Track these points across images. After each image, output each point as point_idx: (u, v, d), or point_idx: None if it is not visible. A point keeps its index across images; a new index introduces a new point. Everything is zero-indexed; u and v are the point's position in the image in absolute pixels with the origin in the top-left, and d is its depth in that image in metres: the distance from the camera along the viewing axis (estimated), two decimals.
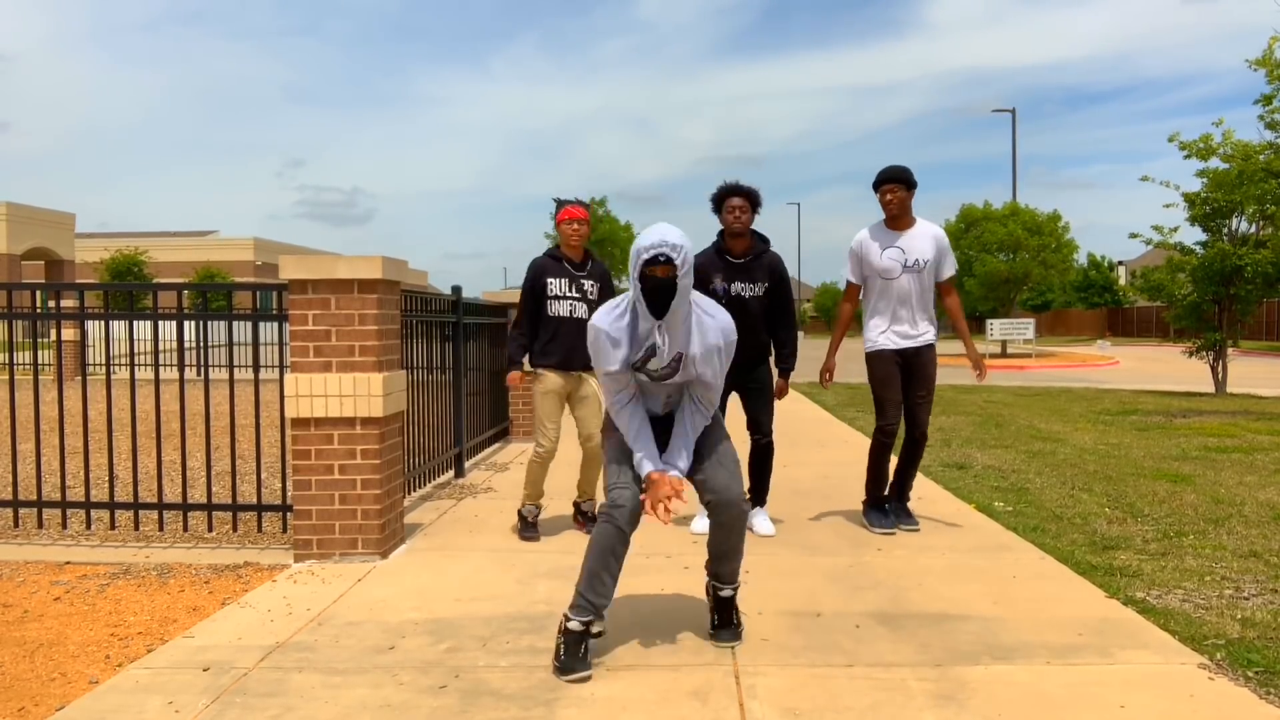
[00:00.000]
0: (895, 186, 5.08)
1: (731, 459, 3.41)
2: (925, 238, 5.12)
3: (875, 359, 5.19)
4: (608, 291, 5.17)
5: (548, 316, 5.02)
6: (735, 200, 5.01)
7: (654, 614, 3.78)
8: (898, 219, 5.13)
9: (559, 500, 6.04)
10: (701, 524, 5.19)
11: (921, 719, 2.81)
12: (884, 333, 5.17)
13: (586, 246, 5.15)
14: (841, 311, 5.39)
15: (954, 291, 5.31)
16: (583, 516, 5.30)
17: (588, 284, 5.11)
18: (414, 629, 3.62)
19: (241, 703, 2.95)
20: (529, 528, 5.07)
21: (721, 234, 5.11)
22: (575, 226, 5.03)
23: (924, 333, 5.16)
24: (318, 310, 4.53)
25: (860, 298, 5.30)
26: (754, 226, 5.07)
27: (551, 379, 5.01)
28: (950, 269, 5.19)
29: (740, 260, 5.04)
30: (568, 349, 5.01)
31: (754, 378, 5.15)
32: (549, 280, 5.03)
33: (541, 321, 5.04)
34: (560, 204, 5.12)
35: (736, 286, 5.05)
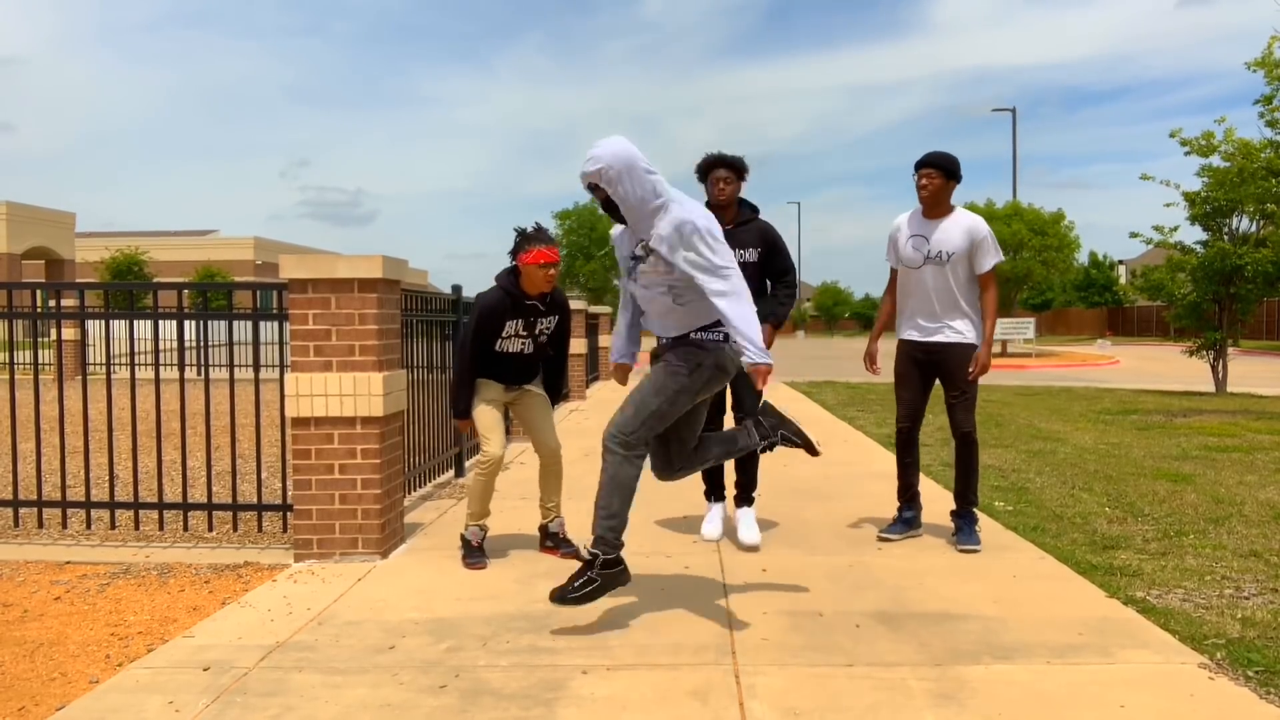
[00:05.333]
0: (932, 173, 4.74)
1: (635, 402, 3.59)
2: (956, 229, 4.75)
3: (897, 351, 4.99)
4: (565, 324, 4.70)
5: (495, 353, 4.55)
6: (720, 172, 4.85)
7: (654, 614, 3.78)
8: (931, 207, 4.82)
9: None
10: (710, 527, 5.03)
11: (921, 719, 2.81)
12: (905, 325, 4.95)
13: None
14: (883, 300, 5.19)
15: (991, 286, 4.85)
16: (553, 540, 4.73)
17: (543, 323, 4.59)
18: (414, 629, 3.62)
19: (242, 702, 2.95)
20: (474, 553, 4.54)
21: (708, 205, 4.93)
22: (550, 272, 4.44)
23: (950, 330, 4.79)
24: (318, 310, 4.53)
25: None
26: (743, 196, 4.97)
27: (492, 388, 4.60)
28: (989, 262, 4.78)
29: (727, 228, 4.90)
30: (511, 375, 4.62)
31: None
32: (505, 322, 4.49)
33: (486, 354, 4.57)
34: (526, 239, 4.45)
35: None
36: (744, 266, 4.85)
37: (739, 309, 3.45)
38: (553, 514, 4.74)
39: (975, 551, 4.72)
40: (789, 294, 4.99)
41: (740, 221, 4.94)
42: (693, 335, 3.64)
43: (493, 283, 4.56)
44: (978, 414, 11.11)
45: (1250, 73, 13.22)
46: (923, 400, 4.95)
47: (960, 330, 4.81)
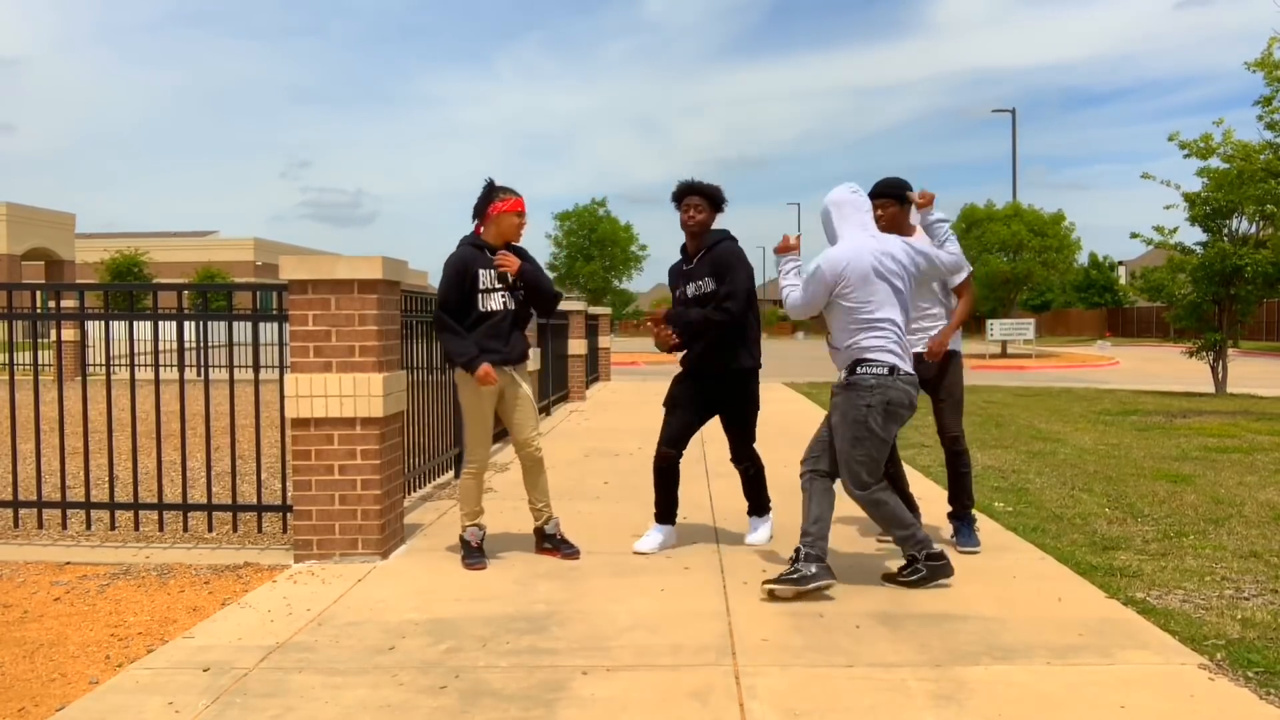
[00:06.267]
0: (885, 202, 4.83)
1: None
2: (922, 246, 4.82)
3: None
4: (538, 277, 4.63)
5: (479, 312, 4.50)
6: (691, 199, 4.73)
7: (654, 614, 3.78)
8: (894, 232, 4.84)
9: (556, 501, 6.04)
10: (647, 542, 4.79)
11: (921, 719, 2.81)
12: None
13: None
14: None
15: (966, 294, 4.93)
16: (551, 542, 4.70)
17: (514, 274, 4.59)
18: (414, 629, 3.62)
19: (241, 703, 2.95)
20: (474, 554, 4.52)
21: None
22: (521, 221, 4.57)
23: (928, 337, 4.83)
24: (318, 310, 4.53)
25: None
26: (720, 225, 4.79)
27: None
28: (960, 276, 4.82)
29: (691, 263, 4.79)
30: (503, 344, 4.54)
31: (731, 395, 4.73)
32: (479, 271, 4.50)
33: (471, 318, 4.51)
34: (496, 190, 4.55)
35: (691, 288, 4.74)
36: (702, 299, 4.68)
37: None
38: (544, 514, 4.72)
39: (974, 552, 4.71)
40: (720, 311, 4.61)
41: (704, 250, 4.72)
42: (857, 373, 4.08)
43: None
44: (979, 415, 11.11)
45: (1250, 73, 13.22)
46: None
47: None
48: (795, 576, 3.93)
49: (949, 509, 4.95)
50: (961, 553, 4.72)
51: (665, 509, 4.87)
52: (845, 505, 5.88)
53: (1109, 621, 3.66)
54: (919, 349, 4.83)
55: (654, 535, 4.84)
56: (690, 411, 4.77)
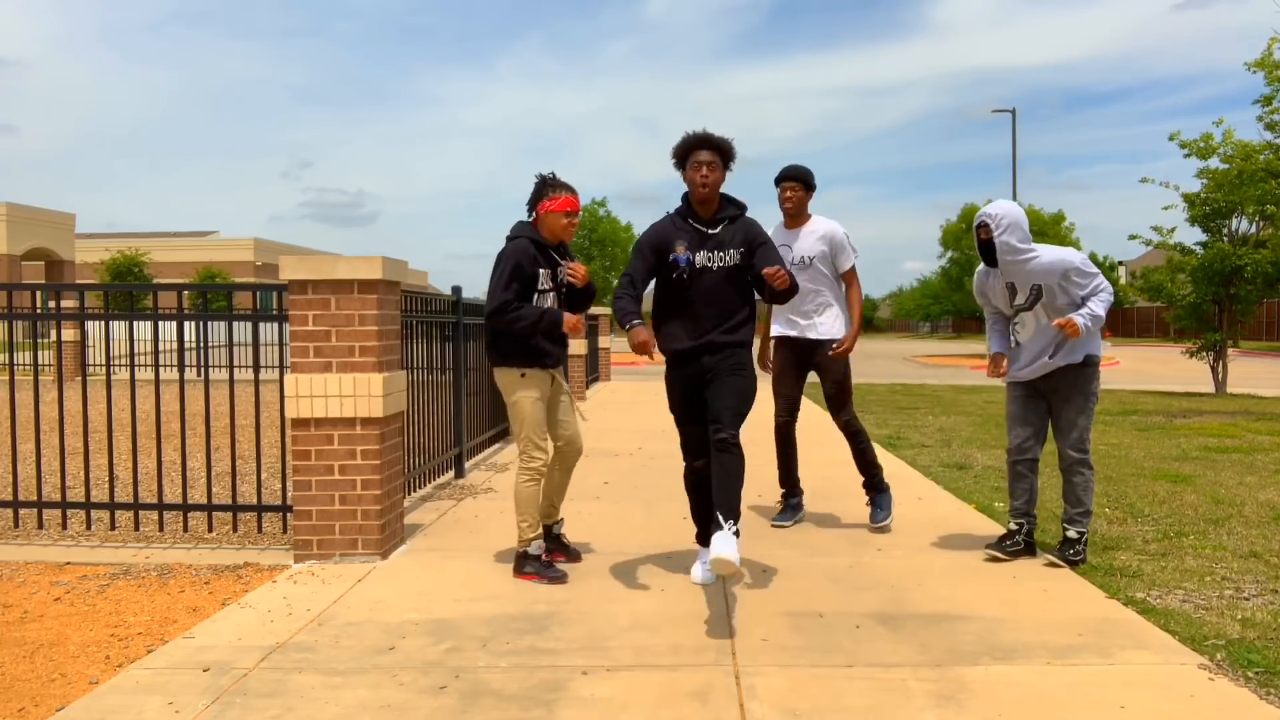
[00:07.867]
0: (794, 185, 5.14)
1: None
2: (813, 235, 5.15)
3: (773, 350, 5.38)
4: (589, 286, 4.51)
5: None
6: (703, 155, 4.03)
7: (654, 614, 3.78)
8: (793, 217, 5.20)
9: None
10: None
11: (921, 719, 2.81)
12: (778, 323, 5.31)
13: None
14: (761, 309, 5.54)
15: (854, 283, 5.26)
16: (556, 544, 4.56)
17: (561, 270, 4.42)
18: (414, 629, 3.62)
19: (242, 703, 2.95)
20: (548, 567, 4.28)
21: (686, 197, 4.17)
22: (574, 221, 4.34)
23: (821, 326, 5.16)
24: (318, 311, 4.53)
25: None
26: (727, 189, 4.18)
27: (540, 380, 4.35)
28: (847, 262, 5.18)
29: (707, 226, 4.10)
30: (558, 346, 4.40)
31: (725, 362, 4.06)
32: (540, 271, 4.29)
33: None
34: (548, 185, 4.33)
35: (702, 257, 4.07)
36: (720, 271, 4.08)
37: (1103, 310, 4.37)
38: (556, 514, 4.60)
39: (886, 525, 5.18)
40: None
41: (725, 218, 4.13)
42: (1085, 357, 4.45)
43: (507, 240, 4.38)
44: (979, 415, 11.11)
45: (1250, 73, 13.24)
46: (799, 393, 5.32)
47: (830, 327, 5.18)
48: (1014, 549, 4.58)
49: (864, 480, 5.31)
50: (875, 529, 5.13)
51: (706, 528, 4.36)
52: (840, 508, 5.88)
53: (1109, 621, 3.66)
54: (812, 335, 5.17)
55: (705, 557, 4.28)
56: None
